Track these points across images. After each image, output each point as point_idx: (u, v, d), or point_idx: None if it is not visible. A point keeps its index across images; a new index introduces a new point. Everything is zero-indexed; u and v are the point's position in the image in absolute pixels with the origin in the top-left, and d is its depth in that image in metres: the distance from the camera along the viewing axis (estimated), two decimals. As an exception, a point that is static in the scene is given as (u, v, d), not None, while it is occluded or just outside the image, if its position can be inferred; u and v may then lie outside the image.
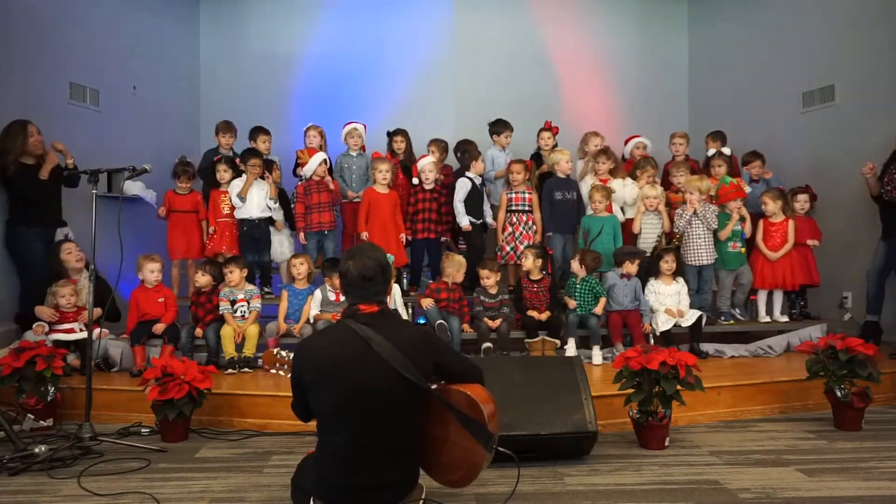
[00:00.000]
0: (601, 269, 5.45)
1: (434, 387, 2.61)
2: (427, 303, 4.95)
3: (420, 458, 2.61)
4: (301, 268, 5.18)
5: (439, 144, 6.26)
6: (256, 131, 6.17)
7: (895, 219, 5.22)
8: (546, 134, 6.31)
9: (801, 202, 5.80)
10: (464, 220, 5.66)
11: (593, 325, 5.02)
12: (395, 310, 4.96)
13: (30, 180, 5.15)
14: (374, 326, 2.49)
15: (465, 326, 5.07)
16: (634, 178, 6.00)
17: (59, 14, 5.76)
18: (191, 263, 5.80)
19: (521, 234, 5.67)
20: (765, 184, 6.06)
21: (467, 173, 5.79)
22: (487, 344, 4.89)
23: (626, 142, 6.69)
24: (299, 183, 5.87)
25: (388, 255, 5.13)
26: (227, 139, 6.10)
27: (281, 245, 5.84)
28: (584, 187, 5.92)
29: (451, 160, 6.38)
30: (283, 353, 2.95)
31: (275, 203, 5.70)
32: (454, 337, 4.92)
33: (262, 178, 5.68)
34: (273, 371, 2.99)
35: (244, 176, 5.62)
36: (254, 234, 5.66)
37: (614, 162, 6.01)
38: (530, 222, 5.72)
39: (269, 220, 5.74)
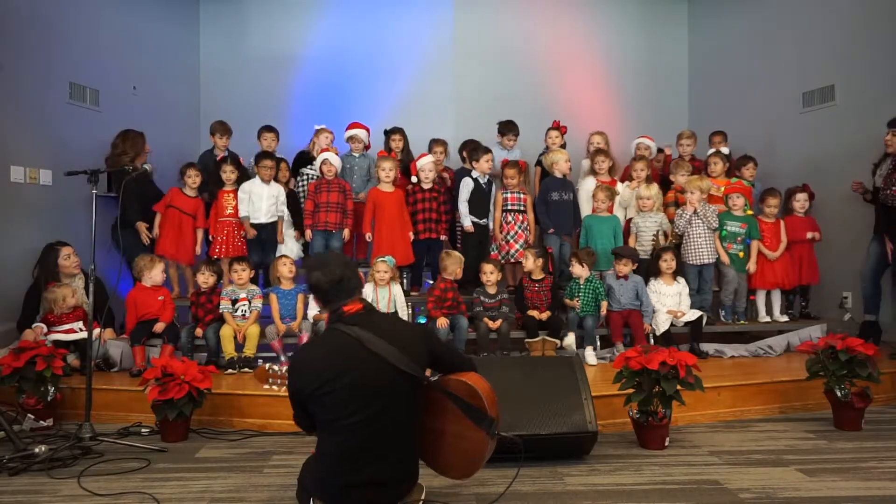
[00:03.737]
0: (601, 268, 5.46)
1: (432, 377, 2.62)
2: (443, 322, 4.90)
3: (422, 455, 2.61)
4: (287, 269, 5.15)
5: (442, 144, 6.26)
6: (262, 130, 6.18)
7: (890, 219, 5.22)
8: (554, 133, 6.29)
9: (801, 201, 5.80)
10: (466, 221, 5.69)
11: (589, 325, 5.03)
12: (396, 311, 4.97)
13: (143, 184, 5.49)
14: (362, 325, 2.49)
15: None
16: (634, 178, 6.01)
17: (59, 14, 5.76)
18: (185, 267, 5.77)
19: (515, 233, 5.68)
20: (760, 184, 6.06)
21: (473, 172, 5.80)
22: (485, 354, 4.87)
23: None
24: (311, 181, 5.88)
25: (390, 258, 5.08)
26: (223, 140, 6.09)
27: (288, 247, 5.77)
28: (583, 186, 5.92)
29: (454, 161, 6.39)
30: (276, 368, 2.96)
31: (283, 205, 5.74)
32: (462, 336, 4.91)
33: (276, 179, 5.75)
34: (266, 387, 2.99)
35: (256, 179, 5.64)
36: (260, 236, 5.67)
37: (612, 161, 6.01)
38: (525, 222, 5.73)
39: (276, 223, 5.74)
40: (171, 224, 5.67)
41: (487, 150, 5.83)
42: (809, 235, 5.72)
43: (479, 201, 5.77)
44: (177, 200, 5.70)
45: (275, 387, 2.95)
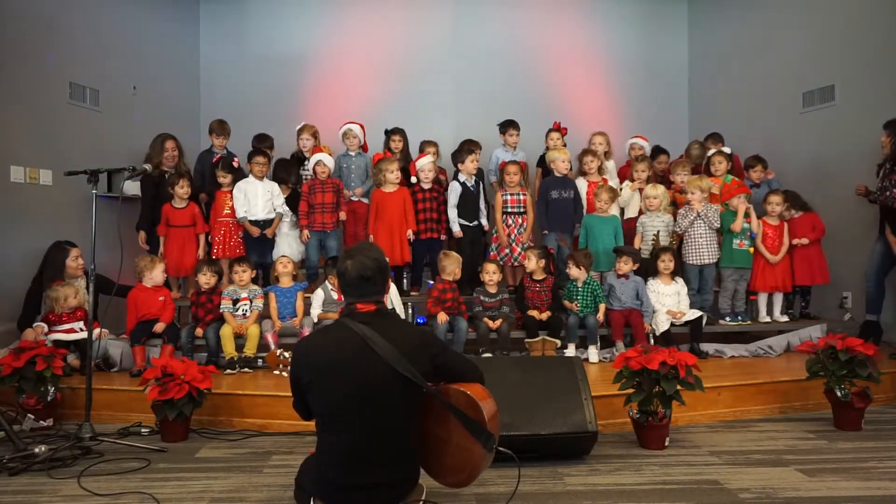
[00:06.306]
0: (601, 268, 5.46)
1: (434, 387, 2.61)
2: (443, 318, 4.89)
3: (421, 459, 2.60)
4: (287, 268, 5.21)
5: (433, 145, 6.25)
6: (260, 139, 6.14)
7: (893, 220, 5.22)
8: (555, 134, 6.29)
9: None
10: (455, 227, 5.71)
11: (591, 323, 5.02)
12: (393, 309, 4.96)
13: (161, 188, 5.68)
14: (372, 325, 2.49)
15: (464, 326, 5.06)
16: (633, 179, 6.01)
17: (59, 14, 5.76)
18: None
19: (514, 236, 5.68)
20: (766, 186, 6.05)
21: (459, 176, 5.80)
22: (487, 354, 4.87)
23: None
24: (305, 181, 5.88)
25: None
26: (220, 140, 6.06)
27: (290, 247, 5.75)
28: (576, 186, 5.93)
29: (446, 161, 6.38)
30: (287, 354, 2.96)
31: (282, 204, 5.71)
32: (461, 338, 4.91)
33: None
34: (277, 372, 3.01)
35: (250, 177, 5.63)
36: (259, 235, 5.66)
37: (600, 161, 6.01)
38: (524, 224, 5.73)
39: (273, 221, 5.73)
40: (174, 242, 5.58)
41: (471, 151, 5.83)
42: (795, 242, 5.70)
43: (468, 203, 5.77)
44: (172, 218, 5.58)
45: (284, 373, 2.96)
